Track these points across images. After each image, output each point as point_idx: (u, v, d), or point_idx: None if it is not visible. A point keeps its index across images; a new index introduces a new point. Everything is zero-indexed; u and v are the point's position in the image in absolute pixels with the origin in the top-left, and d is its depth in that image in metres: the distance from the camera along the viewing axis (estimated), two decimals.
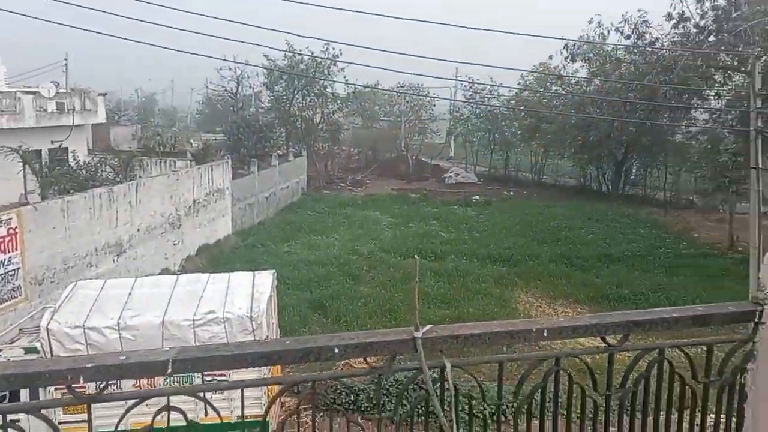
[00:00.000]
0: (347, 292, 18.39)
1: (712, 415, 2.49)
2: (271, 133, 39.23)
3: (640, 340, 2.34)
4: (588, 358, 2.37)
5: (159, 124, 48.38)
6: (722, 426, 2.50)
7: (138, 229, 18.93)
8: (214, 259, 21.79)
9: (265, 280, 10.65)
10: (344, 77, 37.79)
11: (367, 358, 2.08)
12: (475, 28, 17.49)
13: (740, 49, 19.12)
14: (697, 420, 2.46)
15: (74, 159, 24.51)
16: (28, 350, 9.23)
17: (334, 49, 34.70)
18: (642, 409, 2.39)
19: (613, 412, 2.35)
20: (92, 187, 18.98)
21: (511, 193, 38.07)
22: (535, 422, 2.35)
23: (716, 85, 22.73)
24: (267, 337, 9.74)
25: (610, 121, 28.82)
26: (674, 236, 26.68)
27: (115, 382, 1.96)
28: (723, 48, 19.91)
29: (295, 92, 40.59)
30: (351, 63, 29.88)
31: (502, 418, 2.31)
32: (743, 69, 21.36)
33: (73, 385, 1.79)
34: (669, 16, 21.28)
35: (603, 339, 2.30)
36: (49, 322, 9.10)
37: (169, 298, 9.80)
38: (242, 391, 2.04)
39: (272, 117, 41.66)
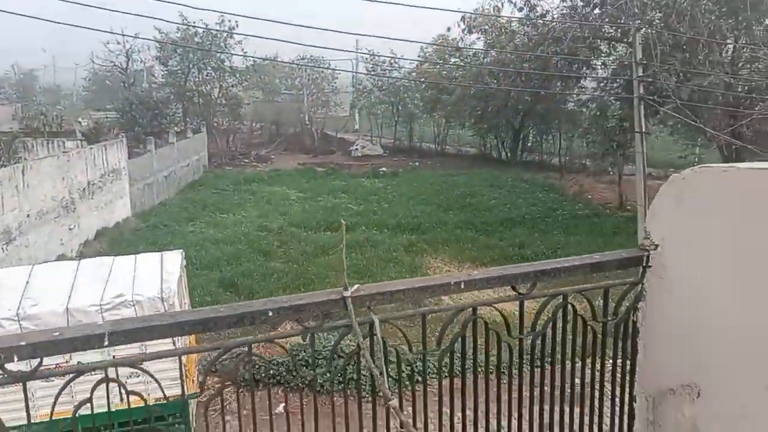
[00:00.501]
0: (259, 269, 18.20)
1: (611, 354, 2.79)
2: (167, 109, 37.58)
3: (545, 290, 2.58)
4: (502, 308, 2.59)
5: (42, 103, 44.95)
6: (619, 359, 2.81)
7: (28, 215, 17.73)
8: (115, 242, 20.85)
9: (174, 260, 10.35)
10: (242, 50, 36.71)
11: (302, 321, 2.18)
12: (376, 0, 17.57)
13: (622, 21, 20.35)
14: (598, 363, 2.76)
15: None
16: None
17: (230, 21, 33.58)
18: (551, 351, 2.65)
19: (527, 354, 2.59)
20: None
21: (417, 163, 38.77)
22: (458, 369, 2.55)
23: (602, 55, 24.13)
24: None
25: (506, 91, 29.91)
26: (570, 199, 28.27)
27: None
28: (607, 20, 21.12)
29: (191, 66, 38.99)
30: (248, 35, 29.17)
31: (428, 368, 2.49)
32: (625, 40, 22.78)
33: (6, 365, 1.76)
34: None
35: (513, 288, 2.52)
36: None
37: (71, 284, 9.34)
38: (180, 359, 2.06)
39: (167, 92, 39.80)
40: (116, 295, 9.14)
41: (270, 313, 2.10)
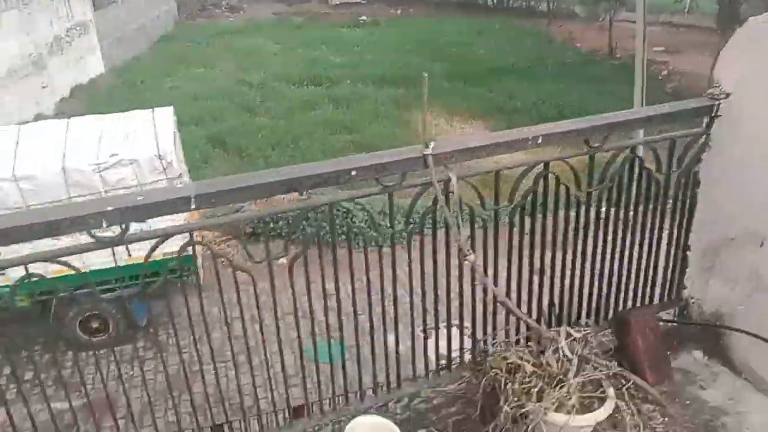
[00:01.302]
0: (245, 126, 17.85)
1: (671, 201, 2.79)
2: None
3: (613, 143, 2.51)
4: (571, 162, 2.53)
5: None
6: (678, 209, 2.82)
7: None
8: (92, 99, 20.05)
9: (166, 116, 10.04)
10: None
11: (379, 178, 2.11)
12: None
13: None
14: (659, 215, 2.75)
15: None
16: None
17: None
18: (616, 202, 2.64)
19: (594, 205, 2.58)
20: None
21: (399, 11, 36.88)
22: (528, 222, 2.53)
23: None
24: (180, 174, 9.46)
25: None
26: (558, 46, 27.49)
27: None
28: None
29: None
30: None
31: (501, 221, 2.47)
32: None
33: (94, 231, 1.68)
34: None
35: (586, 142, 2.45)
36: None
37: (64, 143, 9.08)
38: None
39: None
40: (112, 154, 8.95)
41: (353, 173, 2.03)
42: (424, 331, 2.53)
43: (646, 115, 2.59)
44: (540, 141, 2.30)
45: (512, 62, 24.26)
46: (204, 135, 16.79)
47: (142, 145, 9.10)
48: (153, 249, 1.90)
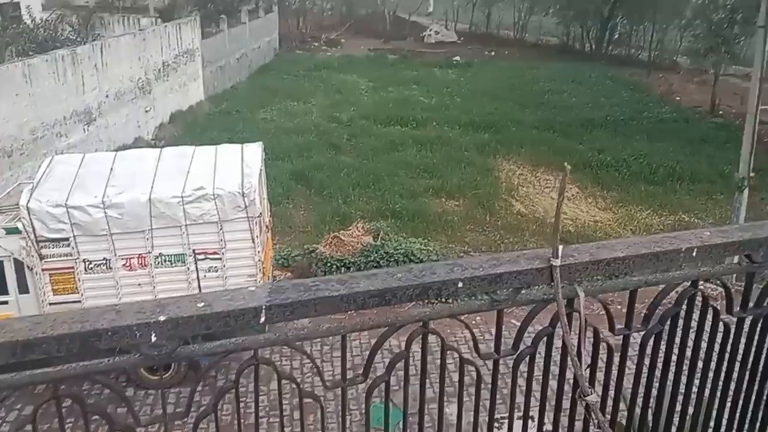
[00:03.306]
0: (329, 163, 18.00)
1: None
2: None
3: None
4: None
5: None
6: None
7: (107, 95, 17.80)
8: (188, 126, 20.91)
9: (254, 153, 10.15)
10: None
11: (493, 292, 1.74)
12: None
13: None
14: None
15: (29, 15, 22.34)
16: (9, 231, 8.78)
17: None
18: None
19: (745, 334, 2.09)
20: (53, 48, 17.53)
21: (493, 53, 36.74)
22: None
23: None
24: (260, 213, 9.42)
25: None
26: (656, 99, 26.35)
27: None
28: None
29: None
30: None
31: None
32: None
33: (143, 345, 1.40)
34: None
35: (748, 257, 1.98)
36: (28, 201, 8.60)
37: (153, 173, 9.31)
38: (343, 339, 1.65)
39: None
40: (197, 187, 9.09)
41: (460, 284, 1.65)
42: None
43: None
44: (695, 254, 1.85)
45: (606, 114, 23.42)
46: (289, 170, 17.05)
47: (227, 181, 9.18)
48: (211, 366, 1.59)
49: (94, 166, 9.44)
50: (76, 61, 16.42)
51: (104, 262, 8.89)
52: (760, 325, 2.09)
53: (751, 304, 2.02)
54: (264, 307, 1.47)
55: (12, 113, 13.95)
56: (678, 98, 26.78)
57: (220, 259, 9.08)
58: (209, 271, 9.12)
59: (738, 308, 2.04)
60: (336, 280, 1.57)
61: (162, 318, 1.39)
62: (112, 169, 9.32)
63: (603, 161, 18.70)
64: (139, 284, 9.01)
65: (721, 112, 24.64)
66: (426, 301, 1.77)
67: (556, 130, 21.61)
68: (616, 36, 37.40)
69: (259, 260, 9.35)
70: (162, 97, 20.93)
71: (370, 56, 34.81)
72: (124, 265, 8.96)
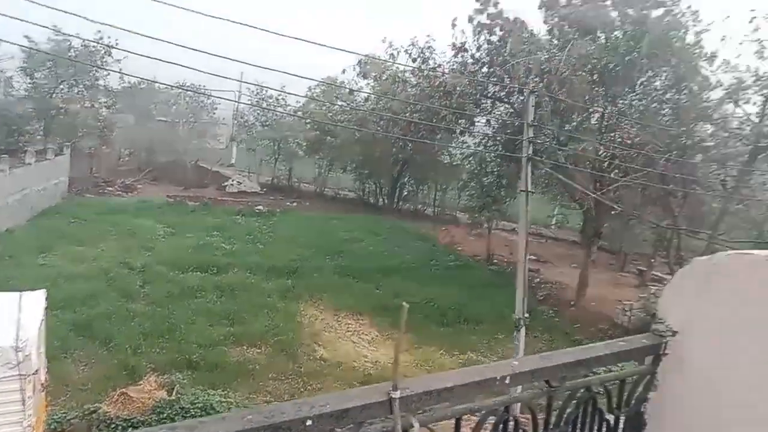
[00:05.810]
0: (119, 311, 16.64)
1: None
2: (28, 125, 34.16)
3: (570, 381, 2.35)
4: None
5: None
6: None
7: None
8: None
9: (35, 301, 9.06)
10: (119, 68, 34.04)
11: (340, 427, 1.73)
12: (265, 30, 16.81)
13: (508, 81, 21.44)
14: None
15: None
16: None
17: (109, 37, 30.95)
18: None
19: None
20: None
21: (294, 204, 38.08)
22: None
23: (485, 113, 25.21)
24: (36, 370, 8.21)
25: (390, 139, 30.33)
26: (442, 249, 28.93)
27: None
28: (494, 79, 22.15)
29: (60, 81, 35.79)
30: (130, 53, 26.99)
31: None
32: (507, 100, 23.95)
33: None
34: (453, 46, 23.04)
35: (547, 382, 2.22)
36: None
37: None
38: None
39: (29, 108, 35.91)
40: None
41: (309, 422, 1.74)
42: None
43: (601, 353, 2.41)
44: (508, 381, 2.17)
45: (400, 262, 25.10)
46: (70, 320, 15.42)
47: (0, 334, 7.93)
48: None
49: None
50: None
51: None
52: None
53: (551, 426, 2.26)
54: None
55: None
56: (460, 248, 29.74)
57: None
58: None
59: (545, 428, 2.25)
60: (183, 426, 1.46)
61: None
62: None
63: (399, 304, 19.61)
64: None
65: (495, 261, 27.80)
66: None
67: (355, 276, 22.50)
68: (405, 193, 41.37)
69: (29, 426, 7.99)
70: None
71: (169, 202, 33.98)
72: None
